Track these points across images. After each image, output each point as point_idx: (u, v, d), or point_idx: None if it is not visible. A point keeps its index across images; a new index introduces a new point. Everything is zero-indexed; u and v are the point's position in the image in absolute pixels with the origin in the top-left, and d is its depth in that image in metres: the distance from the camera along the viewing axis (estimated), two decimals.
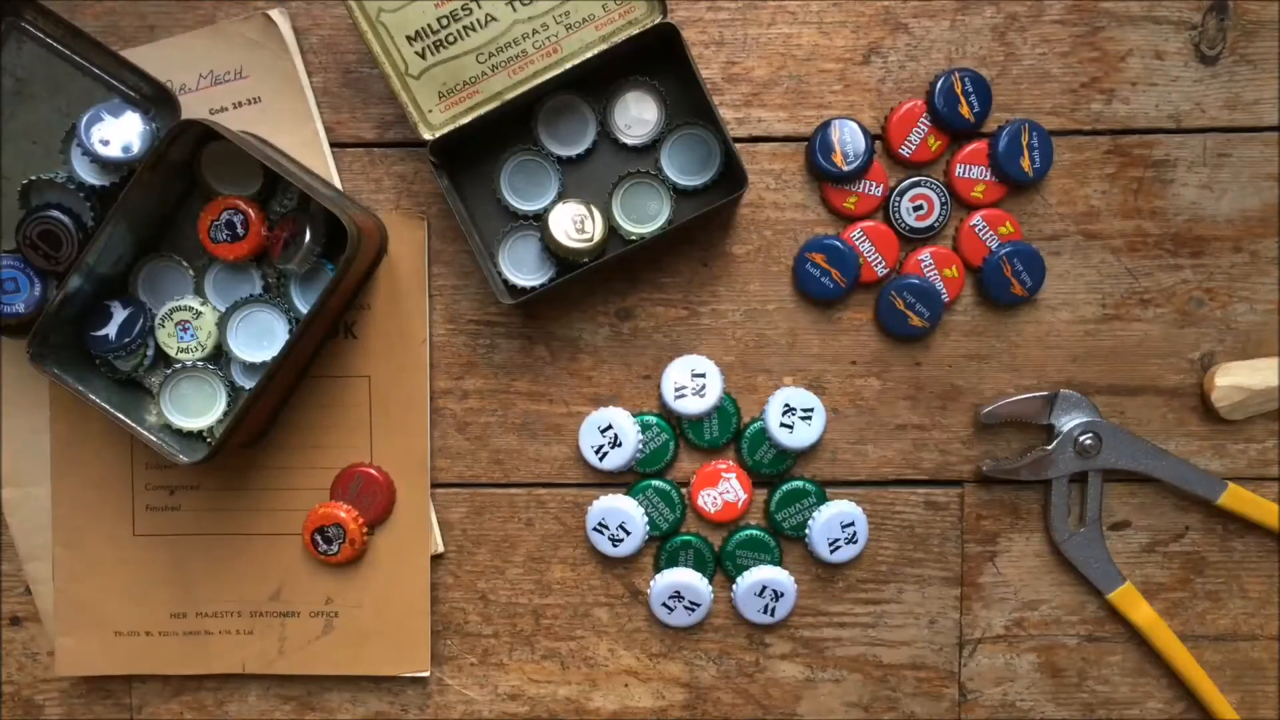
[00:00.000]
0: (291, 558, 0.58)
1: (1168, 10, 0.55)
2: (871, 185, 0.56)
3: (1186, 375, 0.57)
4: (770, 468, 0.57)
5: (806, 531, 0.57)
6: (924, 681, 0.59)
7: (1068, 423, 0.55)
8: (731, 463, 0.57)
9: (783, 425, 0.55)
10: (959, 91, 0.54)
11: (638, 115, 0.55)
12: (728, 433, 0.57)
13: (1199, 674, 0.57)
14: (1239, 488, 0.56)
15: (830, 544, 0.56)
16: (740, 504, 0.57)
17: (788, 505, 0.57)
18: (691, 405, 0.56)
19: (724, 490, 0.57)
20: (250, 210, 0.53)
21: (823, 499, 0.57)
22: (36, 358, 0.52)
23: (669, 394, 0.56)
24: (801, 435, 0.56)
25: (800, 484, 0.57)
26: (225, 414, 0.55)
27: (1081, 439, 0.55)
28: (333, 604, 0.58)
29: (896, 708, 0.59)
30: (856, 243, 0.56)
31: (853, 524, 0.56)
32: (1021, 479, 0.56)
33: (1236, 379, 0.56)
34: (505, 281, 0.55)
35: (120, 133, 0.52)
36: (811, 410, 0.56)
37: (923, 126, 0.55)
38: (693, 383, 0.56)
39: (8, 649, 0.60)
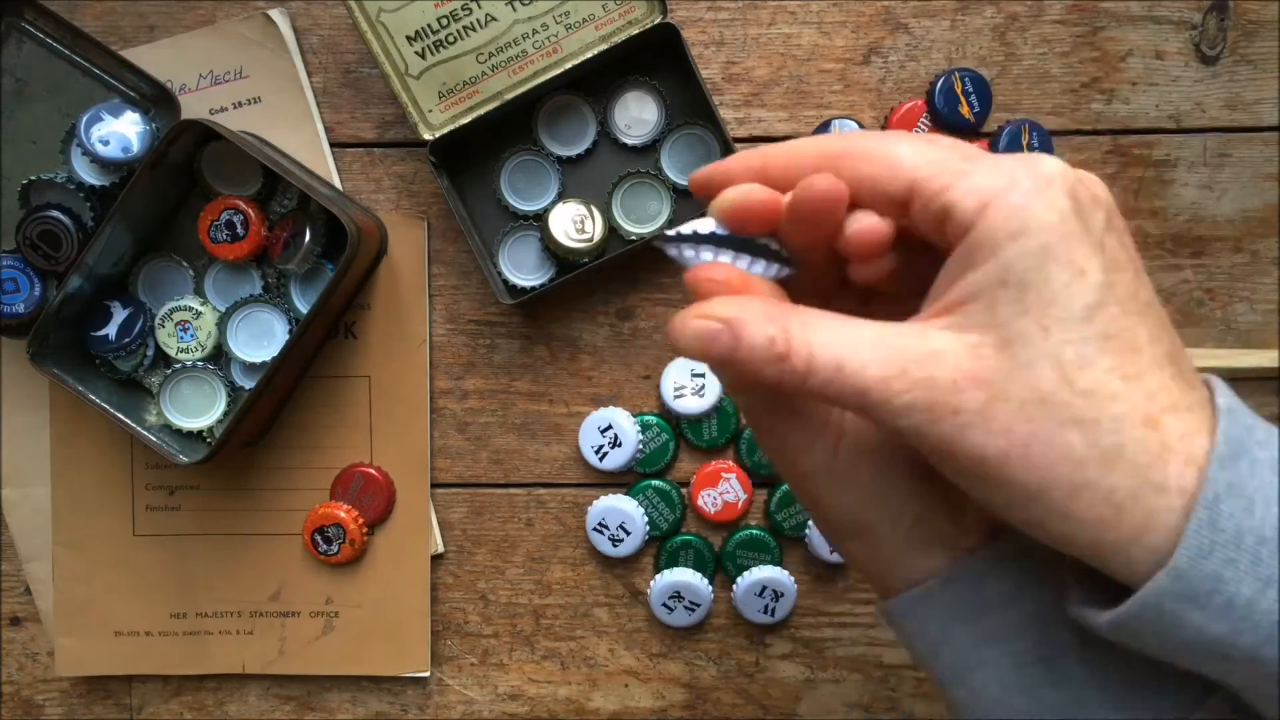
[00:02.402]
0: (291, 558, 0.58)
1: (1168, 10, 0.55)
2: None
3: None
4: (770, 468, 0.57)
5: (806, 532, 0.57)
6: (924, 681, 0.59)
7: None
8: (731, 463, 0.57)
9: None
10: (959, 91, 0.54)
11: (638, 115, 0.55)
12: (727, 433, 0.57)
13: None
14: None
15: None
16: (740, 504, 0.57)
17: (788, 505, 0.57)
18: (691, 405, 0.56)
19: (724, 490, 0.57)
20: (250, 210, 0.53)
21: None
22: (36, 358, 0.52)
23: (668, 394, 0.56)
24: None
25: None
26: (225, 414, 0.55)
27: None
28: (333, 604, 0.58)
29: (896, 708, 0.59)
30: None
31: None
32: None
33: None
34: (505, 281, 0.55)
35: (120, 133, 0.52)
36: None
37: (923, 126, 0.55)
38: (692, 383, 0.56)
39: (8, 649, 0.60)
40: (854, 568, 0.34)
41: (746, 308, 0.27)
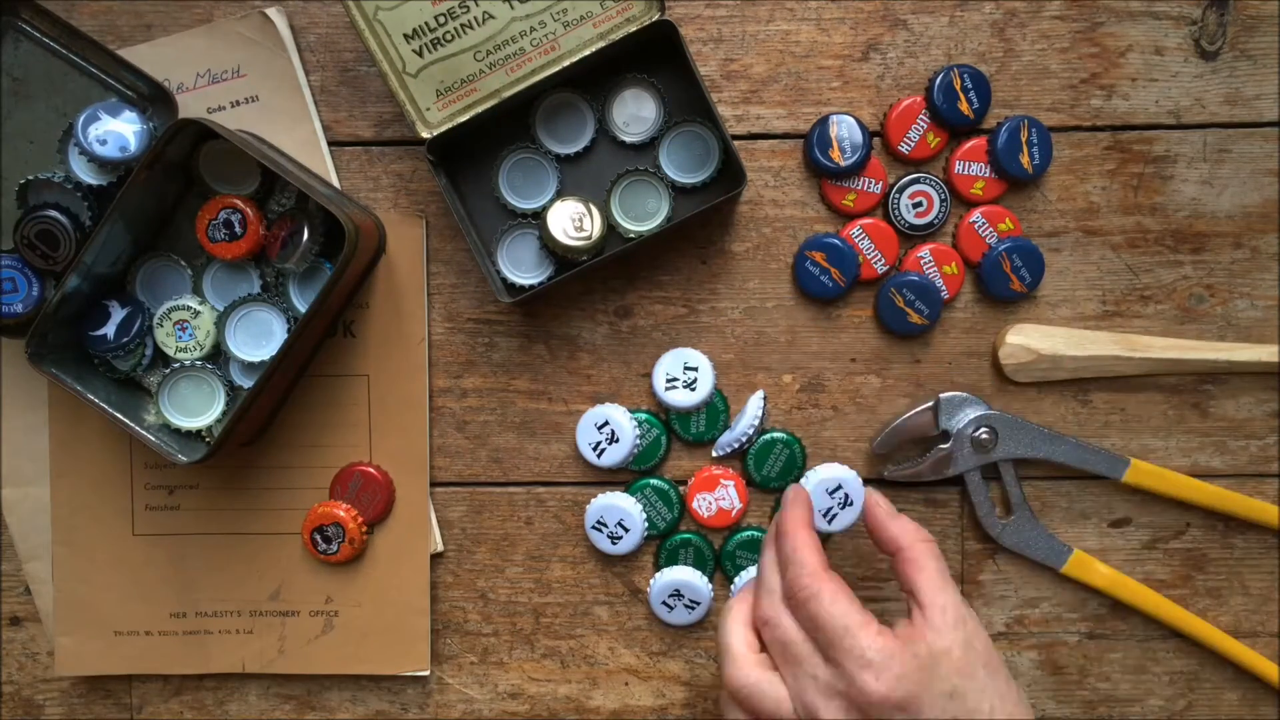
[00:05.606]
0: (291, 557, 0.58)
1: (1167, 5, 0.55)
2: (870, 182, 0.56)
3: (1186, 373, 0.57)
4: (779, 480, 0.57)
5: None
6: None
7: (958, 423, 0.55)
8: (731, 470, 0.57)
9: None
10: (958, 88, 0.54)
11: (636, 113, 0.55)
12: (714, 429, 0.57)
13: (1178, 612, 0.56)
14: (1141, 462, 0.55)
15: (825, 514, 0.53)
16: (735, 513, 0.57)
17: None
18: (680, 398, 0.55)
19: (720, 497, 0.57)
20: (248, 209, 0.53)
21: None
22: (35, 358, 0.52)
23: (660, 384, 0.56)
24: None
25: None
26: (224, 413, 0.55)
27: (976, 434, 0.55)
28: (332, 603, 0.58)
29: None
30: (856, 240, 0.56)
31: (840, 487, 0.53)
32: (926, 479, 0.56)
33: (1026, 339, 0.56)
34: (504, 280, 0.55)
35: (117, 132, 0.52)
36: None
37: (922, 123, 0.55)
38: (684, 375, 0.56)
39: (8, 649, 0.60)
40: None
41: None
